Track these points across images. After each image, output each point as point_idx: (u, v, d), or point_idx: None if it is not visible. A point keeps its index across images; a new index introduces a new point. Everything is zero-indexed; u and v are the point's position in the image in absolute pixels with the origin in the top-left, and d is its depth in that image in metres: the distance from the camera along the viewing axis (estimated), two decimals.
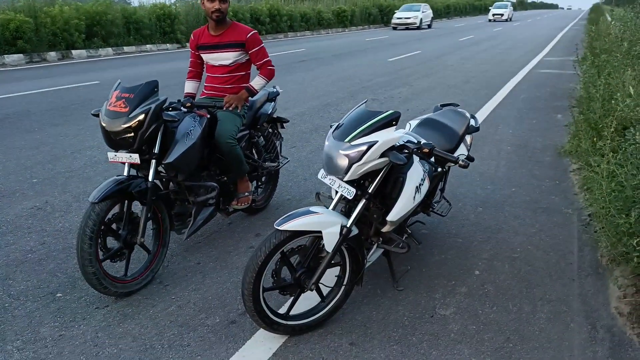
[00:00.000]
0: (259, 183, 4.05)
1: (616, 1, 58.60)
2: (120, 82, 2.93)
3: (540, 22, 40.12)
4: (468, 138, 3.32)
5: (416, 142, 2.45)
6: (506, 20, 41.32)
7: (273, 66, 3.57)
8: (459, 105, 3.60)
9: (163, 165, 3.01)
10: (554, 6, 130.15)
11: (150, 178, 2.88)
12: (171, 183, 3.24)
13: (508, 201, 4.23)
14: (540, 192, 4.43)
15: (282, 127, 4.14)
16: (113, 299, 2.84)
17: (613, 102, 3.95)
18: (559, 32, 26.22)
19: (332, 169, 2.35)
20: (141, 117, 2.75)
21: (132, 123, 2.73)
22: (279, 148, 4.10)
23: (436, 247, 3.45)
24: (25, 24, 13.15)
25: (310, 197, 4.31)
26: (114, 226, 2.86)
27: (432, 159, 2.74)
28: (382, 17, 35.01)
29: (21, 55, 13.15)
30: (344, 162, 2.28)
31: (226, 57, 3.41)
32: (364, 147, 2.24)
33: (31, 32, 13.32)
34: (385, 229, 2.58)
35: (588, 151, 4.37)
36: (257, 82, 3.50)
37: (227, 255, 3.36)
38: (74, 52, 14.52)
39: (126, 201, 2.87)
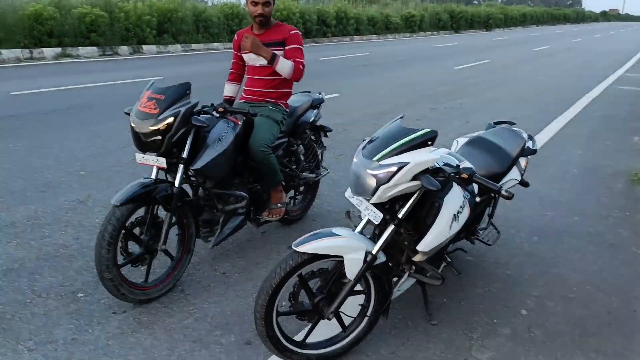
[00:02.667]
0: (296, 193, 3.88)
1: None
2: (153, 82, 2.84)
3: (623, 35, 37.70)
4: (522, 161, 2.99)
5: (455, 165, 2.18)
6: None
7: (303, 67, 3.26)
8: (515, 124, 3.27)
9: (190, 171, 2.90)
10: (629, 18, 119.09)
11: (176, 183, 2.77)
12: (200, 189, 3.12)
13: (569, 231, 3.82)
14: (607, 224, 3.98)
15: (326, 135, 3.94)
16: (131, 305, 2.75)
17: None
18: None
19: (359, 189, 2.13)
20: (170, 119, 2.64)
21: (161, 126, 2.63)
22: (320, 157, 3.91)
23: (481, 277, 3.14)
24: (100, 18, 13.74)
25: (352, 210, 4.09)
26: (137, 230, 2.78)
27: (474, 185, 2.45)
28: (452, 24, 34.09)
29: (95, 48, 13.75)
30: (371, 183, 2.05)
31: None
32: (394, 168, 2.00)
33: (105, 26, 13.91)
34: (417, 258, 2.32)
35: None
36: (284, 61, 3.16)
37: (254, 266, 3.21)
38: (144, 47, 15.03)
39: (151, 205, 2.78)
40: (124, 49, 14.47)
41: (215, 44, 17.53)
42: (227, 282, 3.03)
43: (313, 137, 3.82)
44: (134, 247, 2.77)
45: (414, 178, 2.01)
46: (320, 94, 3.88)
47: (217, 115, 2.93)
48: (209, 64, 13.31)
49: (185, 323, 2.63)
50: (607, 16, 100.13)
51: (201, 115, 2.85)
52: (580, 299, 2.94)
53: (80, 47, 13.43)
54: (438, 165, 2.11)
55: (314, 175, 3.79)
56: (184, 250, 2.97)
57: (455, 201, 2.24)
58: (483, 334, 2.61)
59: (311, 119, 3.67)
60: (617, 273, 3.25)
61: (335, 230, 2.17)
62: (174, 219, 2.83)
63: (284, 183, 3.44)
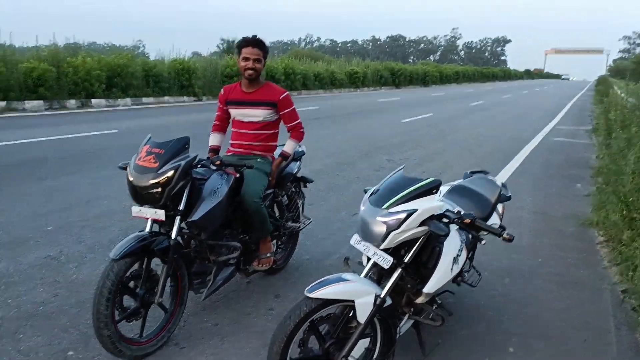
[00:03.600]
0: (279, 243, 3.94)
1: (621, 75, 60.21)
2: (150, 137, 2.89)
3: (547, 91, 40.93)
4: (500, 207, 3.23)
5: (456, 211, 2.36)
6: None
7: (303, 129, 3.58)
8: (489, 173, 3.54)
9: (187, 223, 2.93)
10: (557, 76, 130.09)
11: (173, 235, 2.79)
12: (192, 241, 3.14)
13: (535, 272, 4.08)
14: (567, 265, 4.28)
15: (305, 186, 4.08)
16: None
17: None
18: (568, 101, 26.62)
19: (368, 235, 2.25)
20: (170, 173, 2.69)
21: (161, 179, 2.67)
22: (301, 208, 4.03)
23: (465, 319, 3.29)
24: (48, 72, 13.49)
25: (330, 259, 4.19)
26: (131, 284, 2.75)
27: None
28: (394, 80, 35.85)
29: (41, 102, 13.41)
30: (381, 230, 2.19)
31: (256, 115, 3.40)
32: (403, 215, 2.15)
33: (53, 80, 13.65)
34: (419, 300, 2.45)
35: (617, 224, 4.25)
36: (289, 146, 3.53)
37: (245, 317, 3.21)
38: (93, 100, 14.81)
39: (146, 258, 2.76)
40: (71, 102, 14.20)
41: (166, 98, 17.53)
42: (220, 333, 3.02)
43: (294, 189, 3.94)
44: (128, 302, 2.73)
45: (422, 224, 2.17)
46: (300, 147, 4.04)
47: (214, 168, 3.01)
48: (162, 117, 13.30)
49: None
50: (530, 74, 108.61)
51: (198, 168, 2.92)
52: (558, 336, 3.14)
53: (26, 101, 13.06)
54: (441, 212, 2.27)
55: (298, 224, 3.88)
56: (177, 302, 2.94)
57: (454, 245, 2.41)
58: None
59: (294, 171, 3.80)
60: (585, 309, 3.49)
61: (343, 275, 2.27)
62: (170, 272, 2.82)
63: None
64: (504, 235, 2.17)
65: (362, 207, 2.33)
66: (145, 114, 13.86)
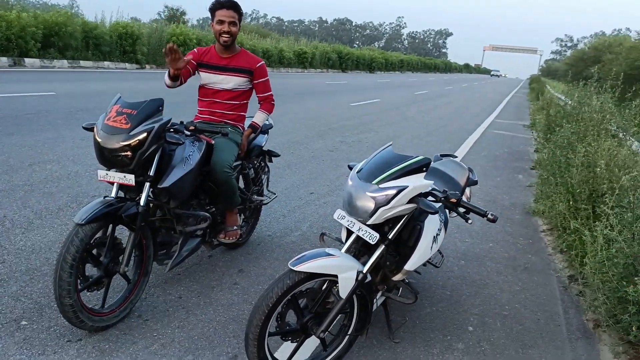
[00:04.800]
0: (243, 217, 3.86)
1: (552, 75, 63.77)
2: (120, 96, 2.71)
3: (484, 86, 42.49)
4: (467, 191, 3.32)
5: (442, 190, 2.39)
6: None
7: (274, 101, 3.49)
8: (457, 157, 3.61)
9: (156, 190, 2.79)
10: (487, 71, 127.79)
11: (142, 202, 2.65)
12: (158, 210, 2.99)
13: (488, 256, 4.25)
14: (516, 249, 4.49)
15: (271, 160, 4.00)
16: (86, 332, 2.54)
17: (598, 169, 4.10)
18: (504, 98, 27.75)
19: (355, 210, 2.24)
20: (142, 135, 2.54)
21: (132, 141, 2.52)
22: (265, 182, 3.95)
23: (426, 298, 3.37)
24: None
25: (292, 235, 4.16)
26: (94, 252, 2.60)
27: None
28: (341, 63, 35.93)
29: None
30: (369, 205, 2.18)
31: (231, 81, 3.27)
32: (393, 191, 2.15)
33: None
34: (396, 278, 2.47)
35: (563, 214, 4.49)
36: (259, 117, 3.44)
37: (210, 290, 3.13)
38: (27, 60, 13.79)
39: (111, 225, 2.62)
40: (2, 60, 13.15)
41: (106, 63, 16.65)
42: (185, 306, 2.92)
43: (260, 162, 3.85)
44: (89, 271, 2.58)
45: (410, 201, 2.18)
46: (268, 120, 3.94)
47: (188, 133, 2.87)
48: (100, 82, 12.62)
49: (152, 349, 2.50)
50: (469, 68, 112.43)
51: (170, 132, 2.78)
52: (513, 316, 3.29)
53: None
54: (428, 190, 2.29)
55: (263, 198, 3.81)
56: (141, 273, 2.82)
57: (434, 224, 2.44)
58: (441, 350, 2.81)
59: (262, 144, 3.72)
60: (535, 292, 3.68)
61: (328, 250, 2.24)
62: (136, 240, 2.69)
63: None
64: (489, 216, 2.23)
65: (349, 182, 2.31)
66: (84, 78, 13.09)
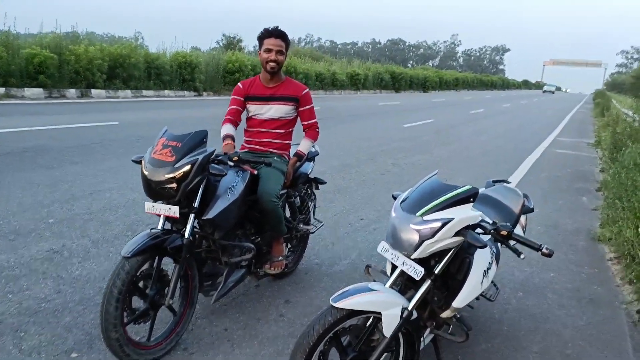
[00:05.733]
0: (289, 246, 3.83)
1: (617, 89, 60.64)
2: (167, 129, 2.77)
3: (544, 103, 41.01)
4: (522, 219, 3.14)
5: (491, 222, 2.26)
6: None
7: (319, 128, 3.47)
8: (510, 183, 3.44)
9: (201, 221, 2.81)
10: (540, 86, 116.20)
11: (187, 234, 2.67)
12: (204, 241, 3.01)
13: (549, 287, 3.99)
14: (580, 280, 4.20)
15: (317, 188, 3.97)
16: None
17: None
18: (566, 114, 26.63)
19: (399, 243, 2.15)
20: (186, 168, 2.57)
21: (177, 174, 2.55)
22: (312, 210, 3.92)
23: (480, 333, 3.19)
24: (50, 59, 13.33)
25: (340, 264, 4.08)
26: (140, 284, 2.63)
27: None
28: (394, 84, 35.82)
29: (41, 89, 13.23)
30: (413, 238, 2.08)
31: (278, 110, 3.28)
32: (438, 224, 2.05)
33: (54, 68, 13.48)
34: (445, 315, 2.35)
35: (632, 241, 4.17)
36: (305, 145, 3.42)
37: (256, 322, 3.10)
38: (93, 91, 14.64)
39: (157, 257, 2.65)
40: (71, 92, 14.02)
41: (166, 91, 17.39)
42: (230, 339, 2.90)
43: (306, 190, 3.83)
44: (136, 303, 2.61)
45: (456, 234, 2.07)
46: (314, 147, 3.93)
47: (231, 164, 2.89)
48: (161, 111, 13.16)
49: None
50: (528, 84, 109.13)
51: (214, 164, 2.80)
52: (577, 355, 3.05)
53: (26, 88, 12.87)
54: (476, 222, 2.17)
55: (309, 227, 3.77)
56: (187, 304, 2.83)
57: (485, 257, 2.31)
58: None
59: (308, 171, 3.70)
60: (602, 328, 3.40)
61: (371, 285, 2.16)
62: (182, 272, 2.71)
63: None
64: (543, 250, 2.08)
65: (393, 214, 2.23)
66: (146, 107, 13.71)
